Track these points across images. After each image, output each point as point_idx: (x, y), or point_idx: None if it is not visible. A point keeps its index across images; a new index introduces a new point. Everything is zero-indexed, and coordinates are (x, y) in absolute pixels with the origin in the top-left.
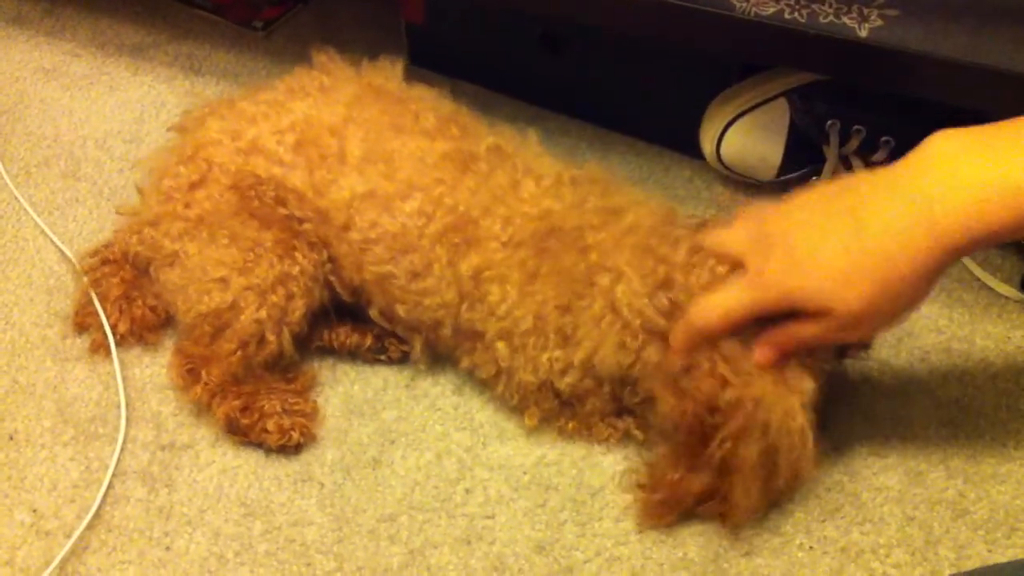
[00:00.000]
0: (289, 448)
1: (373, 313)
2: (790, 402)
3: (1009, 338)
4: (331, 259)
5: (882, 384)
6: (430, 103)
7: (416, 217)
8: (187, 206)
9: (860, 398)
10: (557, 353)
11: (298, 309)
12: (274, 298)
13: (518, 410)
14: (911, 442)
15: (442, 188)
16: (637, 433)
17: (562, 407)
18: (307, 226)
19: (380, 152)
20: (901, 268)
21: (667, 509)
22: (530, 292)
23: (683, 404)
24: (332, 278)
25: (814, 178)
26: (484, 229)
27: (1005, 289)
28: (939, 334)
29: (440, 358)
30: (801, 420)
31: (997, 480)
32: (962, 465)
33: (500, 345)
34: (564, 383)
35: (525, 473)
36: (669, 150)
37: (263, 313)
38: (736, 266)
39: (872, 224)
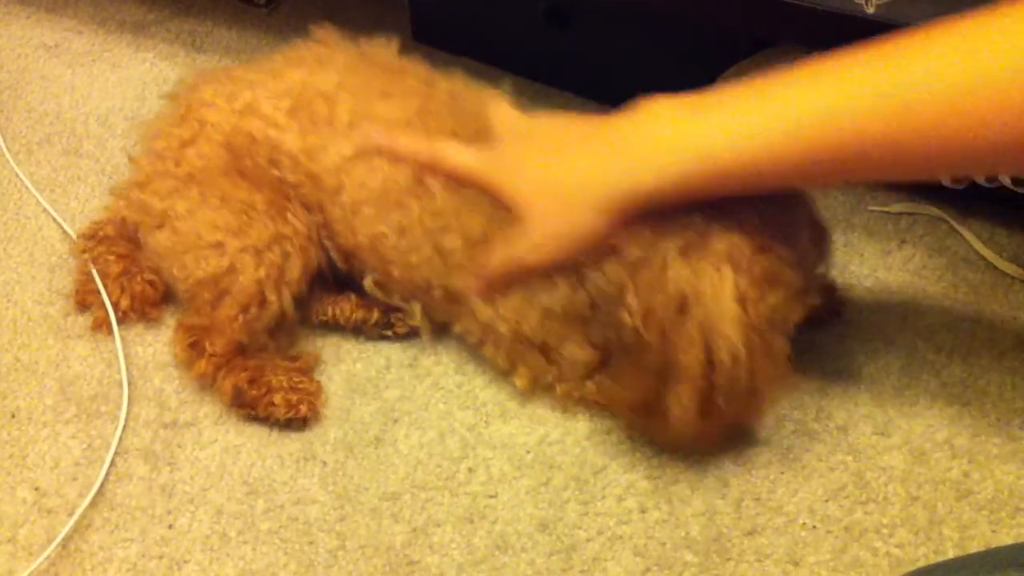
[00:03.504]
0: (296, 422)
1: (368, 284)
2: (729, 308)
3: (1015, 317)
4: (326, 224)
5: (886, 363)
6: (417, 71)
7: (395, 171)
8: (177, 164)
9: (864, 377)
10: (515, 299)
11: (295, 268)
12: (271, 256)
13: (508, 373)
14: (915, 421)
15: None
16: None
17: (548, 362)
18: (302, 191)
19: (366, 116)
20: (584, 205)
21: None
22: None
23: (643, 299)
24: (327, 243)
25: None
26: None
27: (1011, 268)
28: (944, 313)
29: (442, 335)
30: (734, 329)
31: (1002, 460)
32: (967, 445)
33: (477, 301)
34: (528, 327)
35: (528, 452)
36: None
37: (261, 272)
38: None
39: (576, 164)
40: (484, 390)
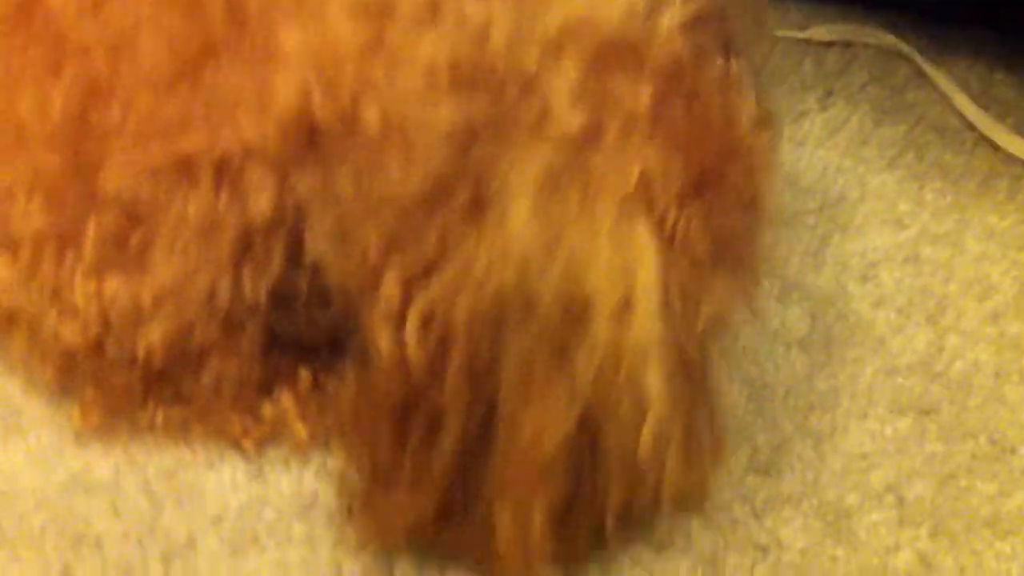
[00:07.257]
0: None
1: None
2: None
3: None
4: None
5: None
6: None
7: None
8: None
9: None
10: (114, 283)
11: None
12: None
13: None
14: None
15: None
16: (300, 428)
17: (154, 387)
18: None
19: None
20: None
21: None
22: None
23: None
24: None
25: None
26: None
27: (1014, 143)
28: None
29: None
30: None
31: None
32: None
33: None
34: (145, 341)
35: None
36: None
37: None
38: None
39: None
40: None
